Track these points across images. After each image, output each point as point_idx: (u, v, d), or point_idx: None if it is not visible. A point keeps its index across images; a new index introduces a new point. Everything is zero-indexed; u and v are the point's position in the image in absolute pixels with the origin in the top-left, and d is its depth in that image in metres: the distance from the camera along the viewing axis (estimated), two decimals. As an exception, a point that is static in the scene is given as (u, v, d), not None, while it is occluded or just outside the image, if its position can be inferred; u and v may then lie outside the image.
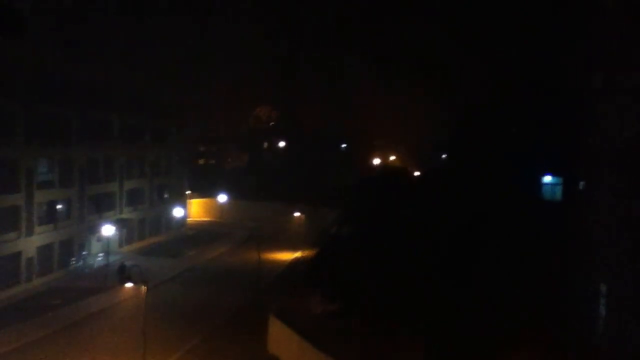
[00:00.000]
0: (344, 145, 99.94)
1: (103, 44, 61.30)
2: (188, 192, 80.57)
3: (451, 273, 25.68)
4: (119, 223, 58.53)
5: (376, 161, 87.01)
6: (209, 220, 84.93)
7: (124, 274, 39.48)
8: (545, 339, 24.89)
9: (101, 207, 57.93)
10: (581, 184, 27.16)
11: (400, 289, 26.50)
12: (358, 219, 30.51)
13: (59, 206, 52.38)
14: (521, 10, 31.53)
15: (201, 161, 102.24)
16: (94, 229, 55.56)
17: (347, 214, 32.47)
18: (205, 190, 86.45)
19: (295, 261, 57.71)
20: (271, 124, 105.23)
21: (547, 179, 29.19)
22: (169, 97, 71.94)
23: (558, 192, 28.86)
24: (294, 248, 62.95)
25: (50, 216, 51.32)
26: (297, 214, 77.73)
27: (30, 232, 48.43)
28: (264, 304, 40.08)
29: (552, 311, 24.95)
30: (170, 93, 72.39)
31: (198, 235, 73.60)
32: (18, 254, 47.03)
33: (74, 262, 53.19)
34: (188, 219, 79.57)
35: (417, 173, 44.02)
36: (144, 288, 34.28)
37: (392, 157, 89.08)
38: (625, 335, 23.24)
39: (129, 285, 38.13)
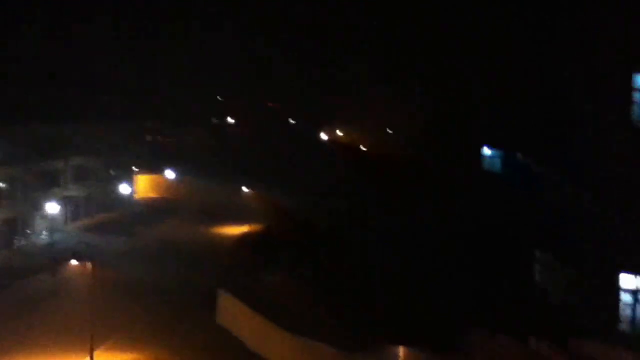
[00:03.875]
0: (292, 120, 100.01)
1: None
2: (135, 169, 79.65)
3: (397, 244, 26.44)
4: (64, 200, 57.81)
5: (324, 136, 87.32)
6: (157, 197, 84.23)
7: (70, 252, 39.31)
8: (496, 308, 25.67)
9: (46, 185, 57.11)
10: (519, 156, 28.11)
11: (348, 259, 27.21)
12: (305, 192, 31.04)
13: (1, 184, 51.48)
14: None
15: (148, 138, 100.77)
16: (38, 206, 54.77)
17: (292, 186, 33.01)
18: (153, 165, 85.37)
19: (244, 235, 57.89)
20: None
21: (487, 151, 30.06)
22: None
23: (497, 164, 29.79)
24: (243, 222, 63.08)
25: (-7, 194, 50.54)
26: (245, 190, 77.68)
27: (-28, 211, 47.68)
28: (214, 277, 40.37)
29: (495, 278, 25.86)
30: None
31: (146, 211, 73.08)
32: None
33: (17, 241, 52.46)
34: (136, 196, 78.73)
35: (363, 148, 44.61)
36: (89, 265, 34.10)
37: (339, 132, 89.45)
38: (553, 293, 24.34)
39: (74, 262, 37.90)
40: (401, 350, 24.86)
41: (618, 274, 23.41)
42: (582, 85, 23.97)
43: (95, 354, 30.47)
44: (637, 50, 22.69)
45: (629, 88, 22.59)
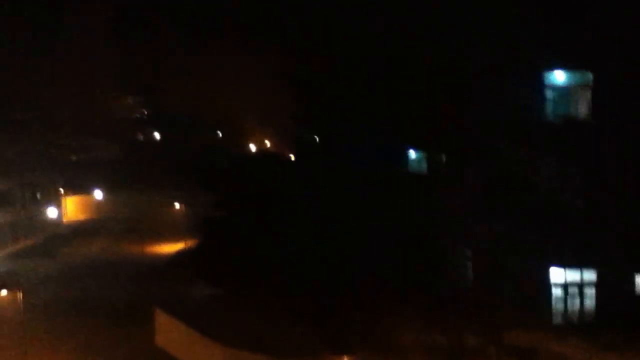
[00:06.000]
0: (219, 133, 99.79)
1: None
2: (61, 190, 77.79)
3: (325, 250, 26.69)
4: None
5: (252, 148, 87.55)
6: (86, 218, 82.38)
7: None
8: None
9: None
10: (443, 157, 28.79)
11: (274, 268, 27.36)
12: (234, 202, 31.06)
13: None
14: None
15: (73, 157, 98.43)
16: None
17: (224, 198, 32.96)
18: (79, 186, 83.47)
19: (177, 252, 57.28)
20: (137, 115, 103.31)
21: (412, 153, 30.67)
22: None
23: (423, 166, 30.43)
24: (175, 239, 62.37)
25: None
26: (177, 205, 76.83)
27: None
28: (147, 297, 39.81)
29: (423, 281, 26.33)
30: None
31: (76, 233, 71.43)
32: None
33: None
34: (65, 219, 76.93)
35: (292, 156, 44.93)
36: (19, 294, 33.19)
37: (267, 144, 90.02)
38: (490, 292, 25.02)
39: (3, 292, 36.76)
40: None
41: (549, 269, 24.25)
42: (498, 82, 24.73)
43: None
44: (550, 49, 23.57)
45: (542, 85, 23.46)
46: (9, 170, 63.66)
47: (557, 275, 24.66)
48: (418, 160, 30.69)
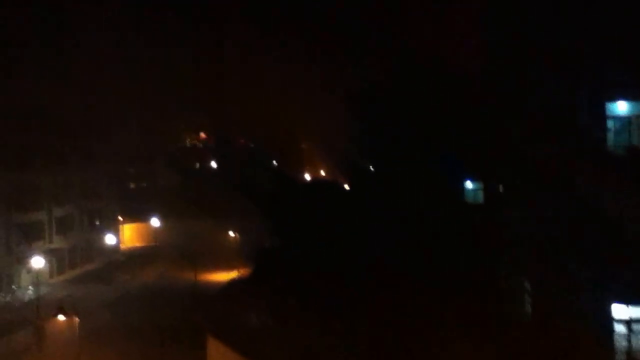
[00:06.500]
0: (275, 162, 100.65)
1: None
2: (119, 217, 79.42)
3: (385, 276, 26.41)
4: (49, 253, 57.38)
5: (307, 177, 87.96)
6: (142, 246, 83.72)
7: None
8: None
9: (30, 237, 56.67)
10: (500, 188, 28.29)
11: (334, 297, 27.13)
12: (288, 231, 31.03)
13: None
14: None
15: (132, 185, 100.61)
16: (23, 260, 54.28)
17: (278, 226, 32.99)
18: (138, 213, 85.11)
19: (232, 280, 57.57)
20: (201, 144, 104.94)
21: (469, 184, 30.30)
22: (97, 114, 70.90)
23: (479, 196, 29.99)
24: (230, 268, 62.78)
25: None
26: (231, 234, 77.54)
27: (-46, 268, 47.15)
28: (202, 324, 39.91)
29: (479, 312, 25.83)
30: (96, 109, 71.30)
31: (132, 260, 72.55)
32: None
33: (2, 296, 51.84)
34: (121, 245, 78.36)
35: (346, 186, 44.88)
36: (76, 319, 33.71)
37: (322, 172, 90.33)
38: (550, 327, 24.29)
39: (60, 317, 37.40)
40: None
41: (611, 304, 23.44)
42: (558, 113, 24.29)
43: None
44: (610, 79, 23.08)
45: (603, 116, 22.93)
46: (70, 196, 65.23)
47: (621, 311, 23.82)
48: (476, 190, 30.30)
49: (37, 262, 51.83)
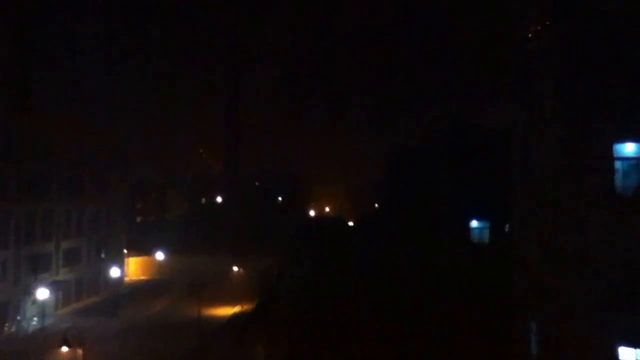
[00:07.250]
0: (280, 199, 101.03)
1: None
2: (125, 250, 79.52)
3: (392, 312, 26.45)
4: (55, 285, 57.43)
5: (312, 212, 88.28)
6: (147, 279, 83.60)
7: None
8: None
9: (37, 269, 56.73)
10: (507, 227, 28.41)
11: (341, 332, 27.13)
12: (291, 267, 31.19)
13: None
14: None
15: (139, 219, 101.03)
16: (29, 291, 54.31)
17: (286, 263, 33.14)
18: (143, 246, 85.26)
19: (236, 315, 57.50)
20: (208, 178, 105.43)
21: (474, 223, 30.43)
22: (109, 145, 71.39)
23: (485, 235, 30.10)
24: (234, 302, 62.59)
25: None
26: (235, 268, 77.47)
27: (-39, 297, 47.17)
28: (202, 357, 39.81)
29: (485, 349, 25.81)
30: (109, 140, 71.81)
31: (137, 293, 72.40)
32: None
33: (7, 327, 51.75)
34: (127, 278, 78.33)
35: (350, 223, 45.11)
36: (80, 351, 33.63)
37: (327, 209, 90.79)
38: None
39: (64, 349, 37.29)
40: None
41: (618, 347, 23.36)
42: (563, 152, 24.47)
43: None
44: (617, 120, 23.28)
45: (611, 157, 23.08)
46: (78, 229, 65.45)
47: (628, 354, 23.70)
48: (482, 229, 30.42)
49: (43, 293, 51.95)
